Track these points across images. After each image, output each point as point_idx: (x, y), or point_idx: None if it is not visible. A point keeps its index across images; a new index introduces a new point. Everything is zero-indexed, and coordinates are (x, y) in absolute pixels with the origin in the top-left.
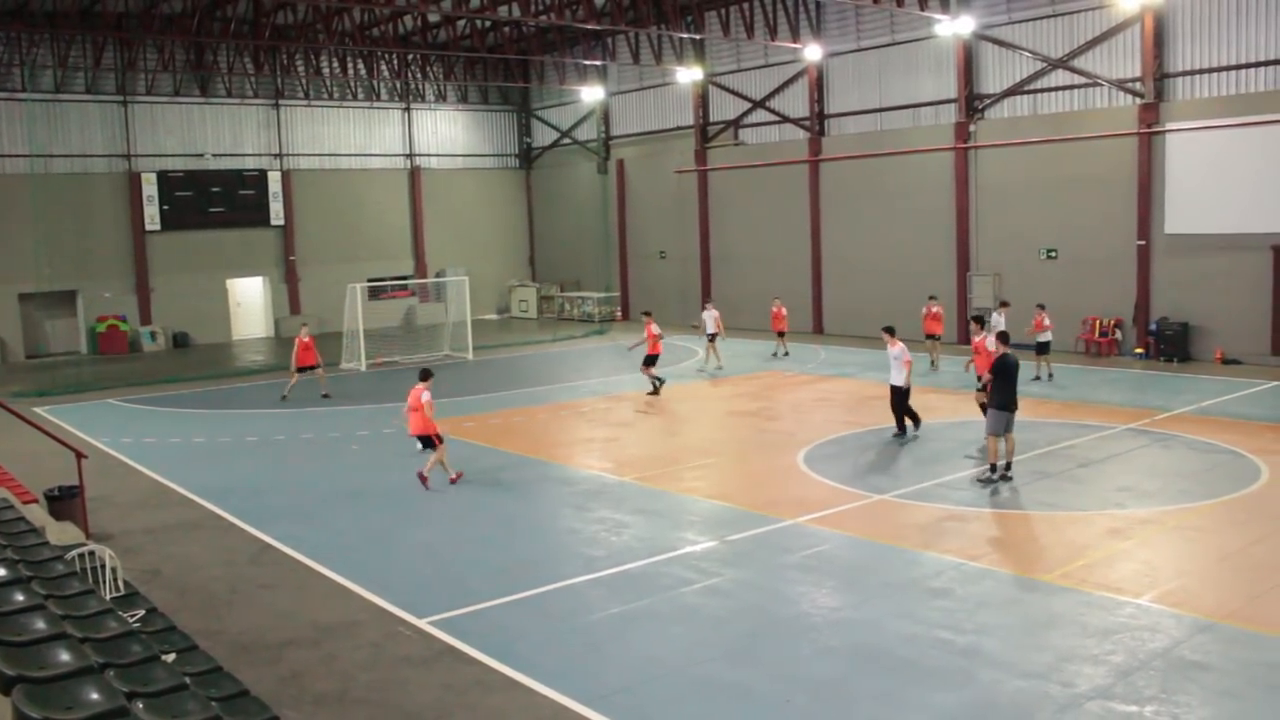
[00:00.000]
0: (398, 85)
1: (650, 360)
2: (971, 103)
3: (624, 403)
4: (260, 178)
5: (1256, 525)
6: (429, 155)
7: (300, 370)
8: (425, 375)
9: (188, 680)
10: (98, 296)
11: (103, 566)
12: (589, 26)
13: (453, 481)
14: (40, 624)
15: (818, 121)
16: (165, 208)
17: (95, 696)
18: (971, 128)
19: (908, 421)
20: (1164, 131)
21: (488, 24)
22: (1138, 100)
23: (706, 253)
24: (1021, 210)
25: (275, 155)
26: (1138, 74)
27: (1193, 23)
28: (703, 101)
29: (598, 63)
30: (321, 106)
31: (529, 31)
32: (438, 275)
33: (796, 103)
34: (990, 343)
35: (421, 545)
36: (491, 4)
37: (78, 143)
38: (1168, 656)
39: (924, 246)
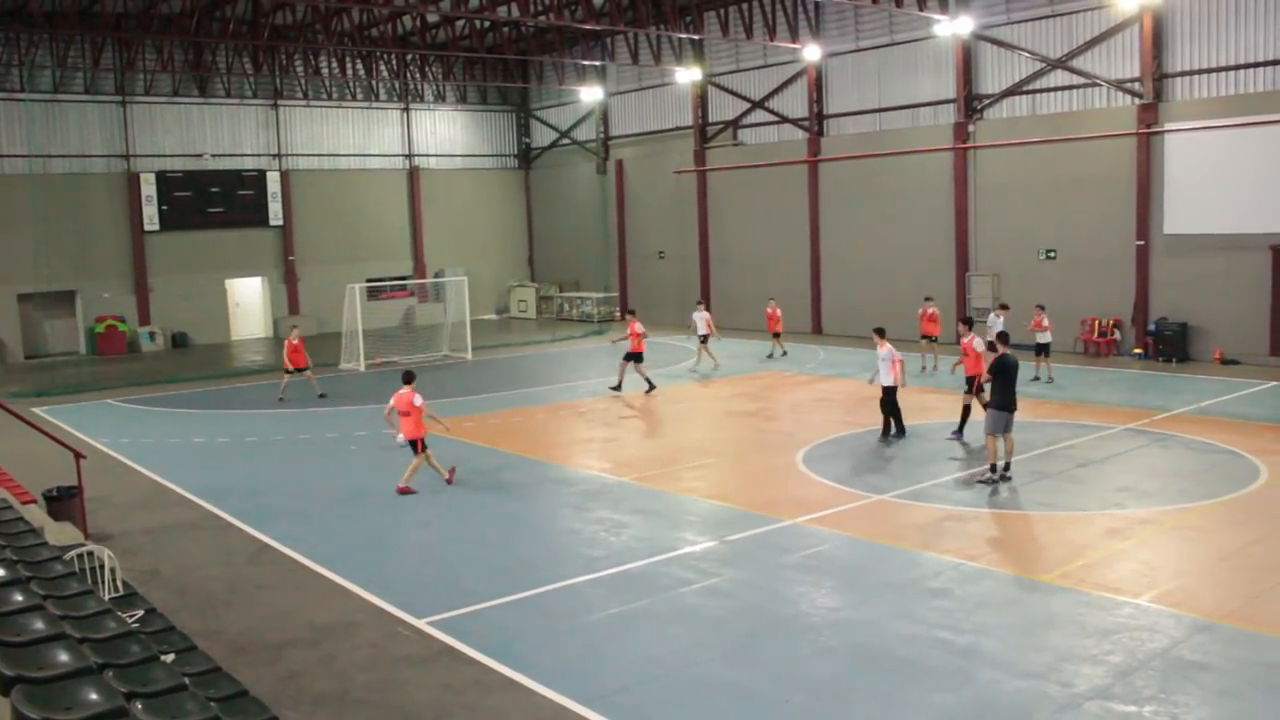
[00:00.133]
0: (397, 85)
1: (634, 357)
2: (970, 103)
3: (623, 403)
4: (259, 178)
5: (1255, 525)
6: (428, 155)
7: (290, 372)
8: (409, 378)
9: (187, 680)
10: (96, 297)
11: (101, 567)
12: (588, 27)
13: (400, 490)
14: (39, 624)
15: (817, 122)
16: (164, 208)
17: (94, 697)
18: (970, 128)
19: (893, 425)
20: (1163, 132)
21: (487, 24)
22: (1137, 100)
23: (705, 253)
24: (1020, 210)
25: (274, 155)
26: (1137, 74)
27: (1192, 23)
28: (702, 102)
29: (597, 63)
30: (320, 107)
31: (528, 32)
32: (437, 275)
33: (795, 103)
34: (978, 344)
35: (420, 545)
36: (490, 4)
37: (76, 143)
38: (1167, 656)
39: (923, 247)
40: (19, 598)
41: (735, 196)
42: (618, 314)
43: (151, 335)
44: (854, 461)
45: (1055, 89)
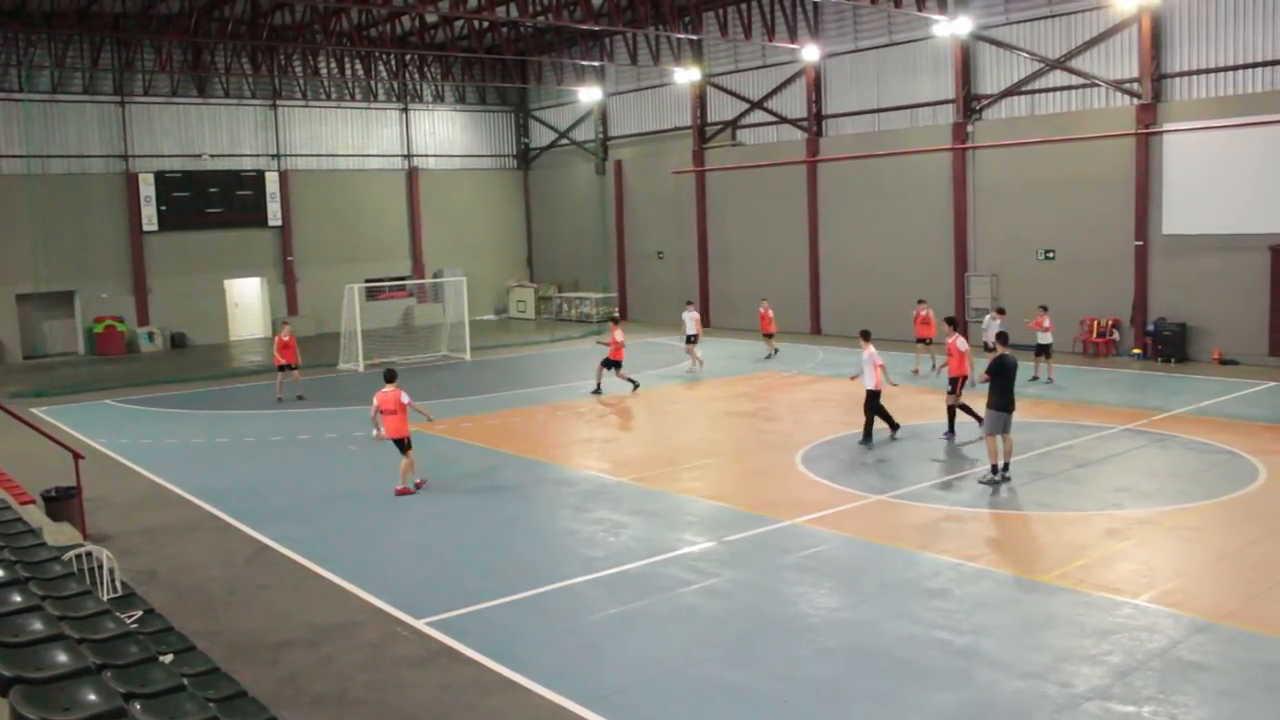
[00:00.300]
0: (395, 86)
1: (611, 364)
2: (969, 103)
3: (622, 403)
4: (258, 178)
5: (1254, 525)
6: (427, 156)
7: (281, 369)
8: (391, 376)
9: (185, 681)
10: (95, 297)
11: (100, 567)
12: (587, 27)
13: (418, 486)
14: (37, 625)
15: (815, 122)
16: (163, 208)
17: (93, 697)
18: (969, 128)
19: (882, 425)
20: (1162, 132)
21: (485, 24)
22: (1135, 101)
23: (704, 253)
24: (1019, 211)
25: (273, 156)
26: (1135, 74)
27: (1190, 23)
28: (700, 102)
29: (596, 63)
30: (319, 107)
31: (527, 32)
32: (435, 276)
33: (794, 103)
34: (960, 344)
35: (419, 546)
36: (489, 4)
37: (75, 143)
38: (1165, 657)
39: (922, 247)
40: (18, 598)
41: (734, 197)
42: (616, 314)
43: (150, 335)
44: (853, 462)
45: (1054, 89)
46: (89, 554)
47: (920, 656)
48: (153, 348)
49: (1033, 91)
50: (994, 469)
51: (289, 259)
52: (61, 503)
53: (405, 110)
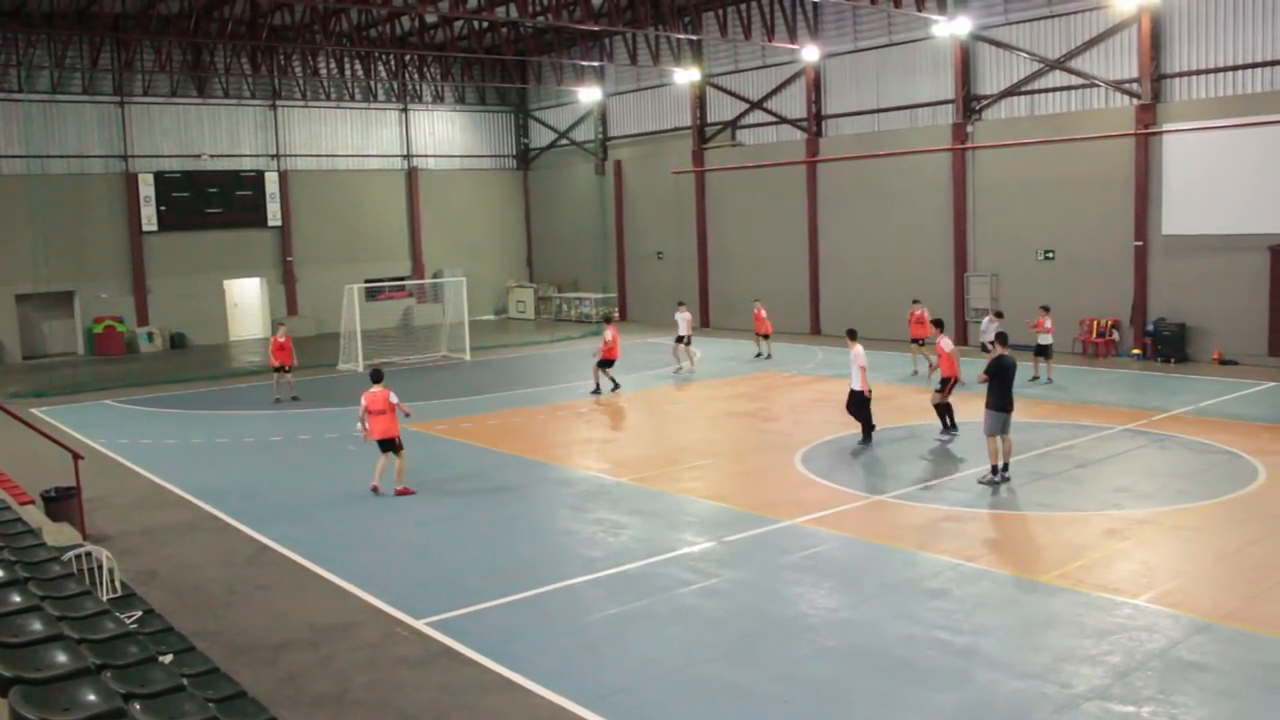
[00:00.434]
0: (395, 86)
1: (605, 364)
2: (969, 104)
3: (622, 404)
4: (257, 178)
5: (1254, 525)
6: (426, 156)
7: (276, 369)
8: (378, 376)
9: (185, 681)
10: (95, 297)
11: (100, 567)
12: (586, 27)
13: (398, 493)
14: (37, 625)
15: (815, 122)
16: (162, 208)
17: (92, 698)
18: (969, 129)
19: (870, 427)
20: (1161, 132)
21: (485, 25)
22: (1135, 101)
23: (704, 253)
24: (1019, 211)
25: (272, 156)
26: (1135, 75)
27: (1190, 24)
28: (700, 102)
29: (595, 64)
30: (319, 107)
31: (526, 32)
32: (435, 276)
33: (794, 103)
34: (946, 344)
35: (419, 546)
36: (489, 5)
37: (74, 143)
38: (1165, 657)
39: (921, 247)
40: (17, 598)
41: (734, 197)
42: (616, 314)
43: (150, 336)
44: (852, 462)
45: (1053, 89)
46: (88, 554)
47: (920, 656)
48: (152, 348)
49: (1032, 92)
50: (994, 469)
51: (288, 259)
52: (61, 503)
53: (405, 110)
